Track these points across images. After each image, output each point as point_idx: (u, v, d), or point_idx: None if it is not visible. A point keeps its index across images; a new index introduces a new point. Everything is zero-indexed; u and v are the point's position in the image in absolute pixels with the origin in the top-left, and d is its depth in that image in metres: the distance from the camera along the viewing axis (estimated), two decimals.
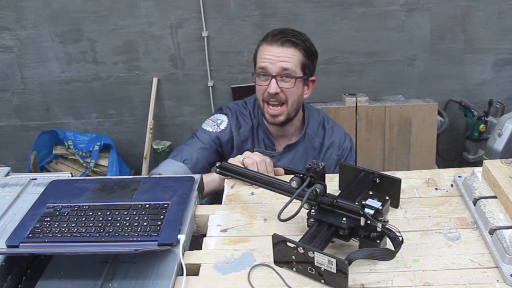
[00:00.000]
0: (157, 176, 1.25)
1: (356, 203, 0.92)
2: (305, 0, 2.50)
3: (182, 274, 0.90)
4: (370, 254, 0.86)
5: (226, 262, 0.93)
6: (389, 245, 0.89)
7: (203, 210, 1.10)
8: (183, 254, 0.93)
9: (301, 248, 0.85)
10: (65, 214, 1.02)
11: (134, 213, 1.01)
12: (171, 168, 1.41)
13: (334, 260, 0.82)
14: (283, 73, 1.42)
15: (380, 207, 0.86)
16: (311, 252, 0.84)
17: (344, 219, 0.91)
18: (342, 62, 2.65)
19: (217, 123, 1.53)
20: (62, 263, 0.92)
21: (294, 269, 0.89)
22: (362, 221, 0.89)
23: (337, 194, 0.99)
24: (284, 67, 1.41)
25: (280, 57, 1.41)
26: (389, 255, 0.86)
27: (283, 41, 1.42)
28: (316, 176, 0.96)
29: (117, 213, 1.01)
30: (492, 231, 0.93)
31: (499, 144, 2.45)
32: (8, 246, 0.95)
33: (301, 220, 1.01)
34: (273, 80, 1.41)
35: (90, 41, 2.62)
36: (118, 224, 0.98)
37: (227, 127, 1.53)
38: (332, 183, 1.15)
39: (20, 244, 0.95)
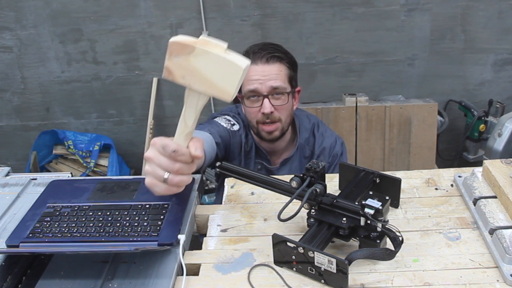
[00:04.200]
0: None
1: (356, 203, 0.92)
2: (305, 0, 2.50)
3: (182, 274, 0.90)
4: (370, 254, 0.86)
5: (226, 262, 0.93)
6: (389, 245, 0.89)
7: (203, 210, 1.10)
8: (183, 254, 0.93)
9: (301, 248, 0.85)
10: (65, 214, 1.02)
11: (134, 213, 1.01)
12: (200, 134, 1.26)
13: (334, 260, 0.82)
14: (274, 91, 1.39)
15: (380, 207, 0.86)
16: (311, 252, 0.84)
17: (344, 219, 0.91)
18: (342, 62, 2.65)
19: (230, 123, 1.48)
20: (62, 263, 0.92)
21: (294, 269, 0.89)
22: (362, 221, 0.89)
23: (337, 194, 0.99)
24: (274, 86, 1.39)
25: (268, 76, 1.38)
26: (389, 255, 0.86)
27: (268, 58, 1.39)
28: (316, 176, 0.96)
29: (117, 213, 1.01)
30: (492, 231, 0.93)
31: (499, 144, 2.45)
32: (8, 246, 0.95)
33: (301, 220, 1.01)
34: (266, 100, 1.39)
35: (90, 41, 2.62)
36: (118, 224, 0.98)
37: (239, 131, 1.49)
38: (332, 183, 1.15)
39: (20, 244, 0.95)
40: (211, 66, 0.76)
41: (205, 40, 0.77)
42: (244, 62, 0.76)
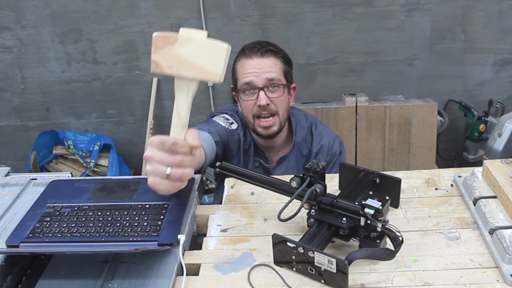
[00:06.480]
0: None
1: (356, 203, 0.92)
2: (305, 0, 2.50)
3: (182, 274, 0.90)
4: (370, 254, 0.86)
5: (226, 262, 0.93)
6: (389, 245, 0.89)
7: (203, 210, 1.10)
8: (183, 254, 0.93)
9: (301, 248, 0.85)
10: (65, 214, 1.02)
11: (134, 213, 1.01)
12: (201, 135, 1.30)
13: (334, 260, 0.82)
14: (269, 83, 1.40)
15: (380, 207, 0.86)
16: (311, 252, 0.84)
17: (344, 219, 0.91)
18: (342, 62, 2.65)
19: (229, 122, 1.50)
20: (62, 263, 0.92)
21: (294, 269, 0.89)
22: (362, 221, 0.89)
23: (337, 194, 0.99)
24: (269, 78, 1.40)
25: (263, 68, 1.40)
26: (389, 255, 0.86)
27: (263, 52, 1.41)
28: (316, 176, 0.96)
29: (117, 213, 1.01)
30: (492, 231, 0.93)
31: (499, 144, 2.45)
32: (8, 246, 0.95)
33: (301, 220, 1.01)
34: (261, 92, 1.40)
35: (90, 41, 2.62)
36: (118, 224, 0.98)
37: (237, 130, 1.50)
38: (332, 183, 1.15)
39: (20, 244, 0.95)
40: (196, 51, 0.79)
41: (186, 30, 0.80)
42: (226, 43, 0.79)
